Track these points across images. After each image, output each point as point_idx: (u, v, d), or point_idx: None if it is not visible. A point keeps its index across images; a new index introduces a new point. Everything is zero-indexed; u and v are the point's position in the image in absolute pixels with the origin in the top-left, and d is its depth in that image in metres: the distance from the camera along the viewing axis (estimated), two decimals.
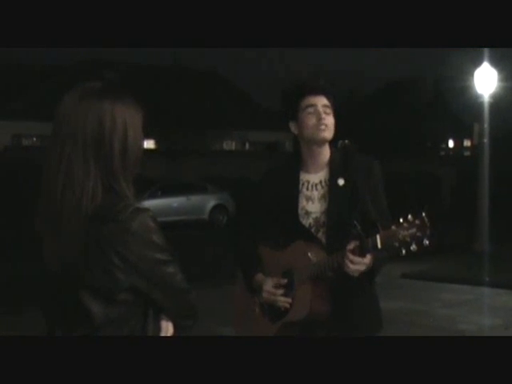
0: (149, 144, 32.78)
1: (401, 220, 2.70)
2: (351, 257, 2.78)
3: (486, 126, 13.90)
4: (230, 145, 39.68)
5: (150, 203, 17.82)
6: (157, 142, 32.70)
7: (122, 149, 1.95)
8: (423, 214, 2.68)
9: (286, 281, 3.04)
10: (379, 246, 2.73)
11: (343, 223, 2.94)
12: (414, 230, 2.67)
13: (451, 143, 50.13)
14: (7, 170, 20.01)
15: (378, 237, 2.73)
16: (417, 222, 2.68)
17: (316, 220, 3.05)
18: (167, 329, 2.06)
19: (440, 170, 28.39)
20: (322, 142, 3.06)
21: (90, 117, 1.93)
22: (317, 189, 3.09)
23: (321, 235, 3.04)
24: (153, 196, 19.63)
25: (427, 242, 2.67)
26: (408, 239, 2.67)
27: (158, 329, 2.04)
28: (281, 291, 3.03)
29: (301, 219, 3.07)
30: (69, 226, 1.90)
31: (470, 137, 34.77)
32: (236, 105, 39.49)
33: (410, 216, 2.69)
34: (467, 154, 43.08)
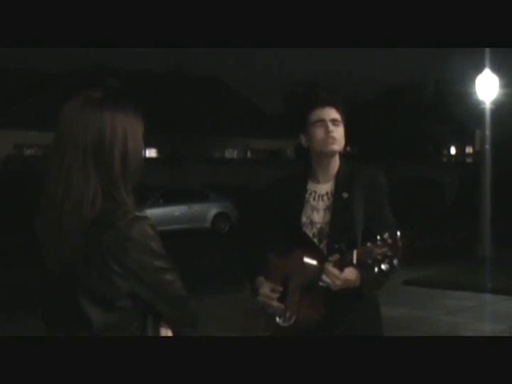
0: (150, 152, 32.84)
1: (378, 237, 2.72)
2: (328, 269, 2.84)
3: (487, 132, 13.89)
4: (231, 152, 39.74)
5: (151, 212, 17.79)
6: (158, 150, 32.75)
7: (122, 157, 1.97)
8: (398, 234, 2.70)
9: (282, 287, 3.06)
10: (354, 261, 2.78)
11: (345, 235, 2.98)
12: (385, 249, 2.69)
13: (453, 150, 50.17)
14: (9, 178, 20.07)
15: (354, 252, 2.78)
16: (389, 241, 2.70)
17: (320, 230, 3.08)
18: (166, 336, 2.06)
19: (442, 177, 28.39)
20: (331, 155, 3.10)
21: (90, 125, 1.94)
22: (323, 200, 3.11)
23: (323, 246, 3.06)
24: (155, 204, 19.61)
25: (396, 262, 2.69)
26: (379, 257, 2.70)
27: (157, 336, 2.03)
28: (276, 296, 3.05)
29: (305, 228, 3.10)
30: (68, 233, 1.91)
31: (471, 143, 34.81)
32: (238, 112, 39.55)
33: (386, 234, 2.71)
34: (469, 160, 43.10)
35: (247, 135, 37.66)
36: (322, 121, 3.06)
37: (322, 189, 3.12)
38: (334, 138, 3.04)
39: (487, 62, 13.80)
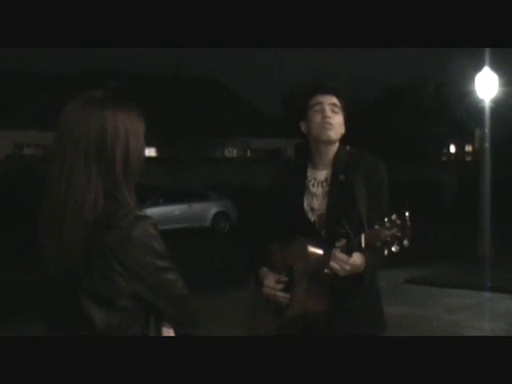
0: (150, 152, 32.83)
1: (385, 219, 2.68)
2: (336, 255, 2.80)
3: (487, 130, 13.89)
4: (231, 152, 39.72)
5: (152, 211, 17.81)
6: (158, 150, 32.73)
7: (123, 156, 1.96)
8: (406, 214, 2.65)
9: (286, 277, 3.05)
10: (363, 245, 2.74)
11: (345, 220, 2.93)
12: (394, 230, 2.64)
13: (453, 148, 50.13)
14: (9, 178, 20.09)
15: (362, 236, 2.74)
16: (398, 221, 2.65)
17: (320, 217, 3.08)
18: (169, 336, 2.05)
19: (441, 176, 28.35)
20: (327, 142, 3.08)
21: (91, 125, 1.94)
22: (322, 186, 3.11)
23: (324, 232, 3.06)
24: (155, 204, 19.62)
25: (407, 243, 2.63)
26: (389, 239, 2.65)
27: (160, 335, 2.03)
28: (281, 287, 3.04)
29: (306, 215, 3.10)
30: (70, 233, 1.91)
31: (471, 142, 34.79)
32: (237, 112, 39.53)
33: (394, 216, 2.67)
34: (469, 159, 43.07)
35: (247, 135, 37.64)
36: (321, 104, 3.06)
37: (321, 175, 3.12)
38: (330, 124, 3.03)
39: (487, 60, 13.79)
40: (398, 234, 2.63)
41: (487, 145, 13.88)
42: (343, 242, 2.81)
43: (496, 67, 14.14)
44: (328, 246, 2.96)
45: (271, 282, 3.07)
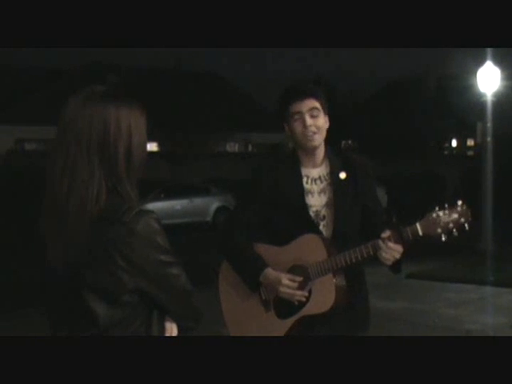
0: (152, 147, 32.83)
1: (436, 208, 2.86)
2: (389, 244, 2.88)
3: (489, 125, 13.87)
4: (232, 147, 39.70)
5: (153, 206, 17.81)
6: (160, 145, 32.71)
7: (126, 152, 1.97)
8: (461, 202, 2.88)
9: (301, 275, 3.04)
10: (420, 233, 2.86)
11: (345, 216, 3.08)
12: (456, 216, 2.86)
13: (454, 143, 50.08)
14: (10, 174, 20.10)
15: (418, 225, 2.86)
16: (458, 208, 2.86)
17: (316, 213, 3.12)
18: (171, 330, 2.06)
19: (443, 170, 28.33)
20: (310, 149, 3.13)
21: (94, 120, 1.94)
22: (316, 183, 3.16)
23: (321, 228, 3.11)
24: (156, 199, 19.62)
25: (468, 227, 2.87)
26: (451, 225, 2.84)
27: (163, 330, 2.04)
28: (297, 286, 3.04)
29: None
30: (73, 228, 1.91)
31: (473, 136, 34.73)
32: (239, 106, 39.51)
33: (446, 204, 2.87)
34: (470, 153, 43.04)
35: (248, 129, 37.61)
36: (300, 113, 3.08)
37: (314, 173, 3.16)
38: (312, 132, 3.06)
39: (489, 54, 13.77)
40: (462, 220, 2.86)
41: (489, 139, 13.87)
42: (388, 232, 2.89)
43: (498, 61, 14.12)
44: (331, 243, 3.03)
45: (289, 282, 3.03)
